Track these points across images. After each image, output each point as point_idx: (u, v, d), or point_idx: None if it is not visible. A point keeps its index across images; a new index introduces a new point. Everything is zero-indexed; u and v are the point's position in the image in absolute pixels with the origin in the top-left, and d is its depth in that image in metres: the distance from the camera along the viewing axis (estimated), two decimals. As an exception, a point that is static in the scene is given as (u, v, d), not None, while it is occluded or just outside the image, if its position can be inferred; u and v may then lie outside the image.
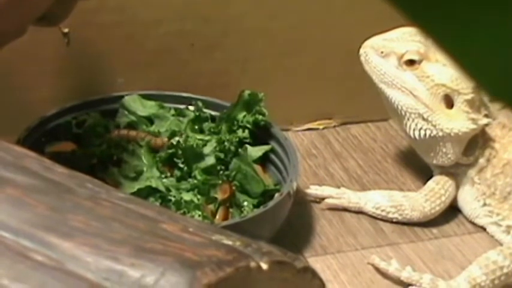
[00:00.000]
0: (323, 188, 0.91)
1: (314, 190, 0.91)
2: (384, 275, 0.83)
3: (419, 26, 0.26)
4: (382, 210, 0.89)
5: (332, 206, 0.90)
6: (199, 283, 0.46)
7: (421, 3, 0.25)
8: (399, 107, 0.87)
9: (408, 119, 0.87)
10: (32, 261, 0.48)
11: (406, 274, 0.81)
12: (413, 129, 0.87)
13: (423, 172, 0.93)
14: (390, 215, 0.89)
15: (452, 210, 0.89)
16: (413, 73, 0.87)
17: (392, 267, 0.82)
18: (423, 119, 0.86)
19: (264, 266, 0.50)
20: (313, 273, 0.55)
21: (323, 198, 0.91)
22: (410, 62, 0.87)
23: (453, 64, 0.26)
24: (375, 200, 0.89)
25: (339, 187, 0.92)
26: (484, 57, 0.27)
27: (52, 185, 0.55)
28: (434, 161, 0.89)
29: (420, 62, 0.87)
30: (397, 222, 0.89)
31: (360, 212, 0.90)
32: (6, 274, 0.48)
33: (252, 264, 0.49)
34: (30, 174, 0.55)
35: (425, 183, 0.90)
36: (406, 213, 0.88)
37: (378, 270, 0.83)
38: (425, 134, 0.87)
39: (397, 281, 0.82)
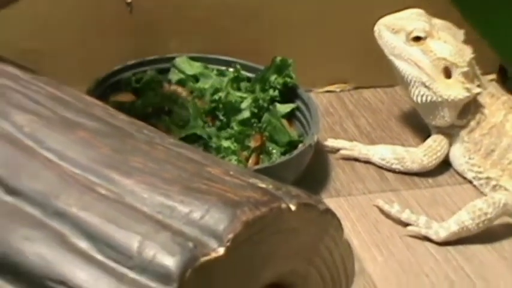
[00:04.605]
0: (338, 141, 0.89)
1: (331, 142, 0.89)
2: (387, 215, 0.80)
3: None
4: (387, 162, 0.86)
5: (345, 156, 0.88)
6: (238, 220, 0.44)
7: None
8: (406, 76, 0.85)
9: (413, 86, 0.85)
10: (97, 194, 0.47)
11: (405, 215, 0.79)
12: (417, 95, 0.85)
13: (422, 131, 0.90)
14: (393, 166, 0.86)
15: (445, 164, 0.87)
16: (419, 48, 0.84)
17: (394, 209, 0.80)
18: (425, 86, 0.84)
19: (293, 207, 0.48)
20: (333, 215, 0.52)
21: (338, 150, 0.88)
22: (417, 38, 0.84)
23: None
24: (381, 152, 0.87)
25: (351, 141, 0.89)
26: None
27: (115, 130, 0.53)
28: (433, 122, 0.86)
29: (425, 38, 0.84)
30: (399, 172, 0.86)
31: (368, 162, 0.88)
32: (75, 203, 0.46)
33: (283, 205, 0.47)
34: (98, 120, 0.53)
35: (423, 140, 0.88)
36: (407, 165, 0.86)
37: (381, 211, 0.81)
38: (426, 100, 0.84)
39: (397, 221, 0.80)
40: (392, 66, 0.86)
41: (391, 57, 0.86)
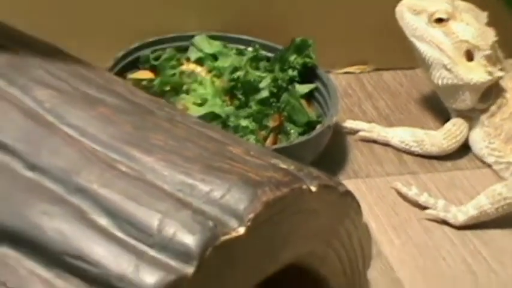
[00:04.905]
0: (357, 122, 0.89)
1: (349, 124, 0.89)
2: (405, 198, 0.80)
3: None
4: (406, 144, 0.86)
5: (364, 138, 0.88)
6: (259, 200, 0.44)
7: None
8: (427, 58, 0.84)
9: (434, 69, 0.84)
10: (117, 171, 0.46)
11: (423, 198, 0.79)
12: (438, 78, 0.84)
13: (441, 114, 0.90)
14: (412, 149, 0.86)
15: (464, 148, 0.86)
16: (441, 30, 0.83)
17: (412, 192, 0.79)
18: (447, 69, 0.83)
19: (314, 189, 0.47)
20: (352, 197, 0.52)
21: (356, 131, 0.88)
22: (439, 20, 0.83)
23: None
24: (400, 135, 0.86)
25: (370, 122, 0.89)
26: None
27: (136, 107, 0.53)
28: (454, 106, 0.86)
29: (447, 20, 0.83)
30: (418, 155, 0.86)
31: (386, 144, 0.87)
32: (96, 180, 0.46)
33: (304, 186, 0.47)
34: (118, 97, 0.53)
35: (443, 123, 0.87)
36: (427, 148, 0.85)
37: (399, 194, 0.80)
38: (447, 83, 0.84)
39: (415, 204, 0.79)
40: (413, 48, 0.85)
41: (412, 39, 0.85)
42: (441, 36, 0.83)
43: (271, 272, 0.47)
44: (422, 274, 0.72)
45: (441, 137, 0.85)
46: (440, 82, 0.84)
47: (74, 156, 0.47)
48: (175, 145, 0.48)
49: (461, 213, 0.77)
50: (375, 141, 0.87)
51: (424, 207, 0.78)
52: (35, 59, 0.54)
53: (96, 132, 0.49)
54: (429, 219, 0.78)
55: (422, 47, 0.84)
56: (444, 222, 0.77)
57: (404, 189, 0.80)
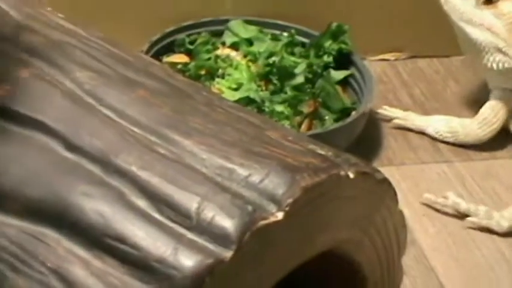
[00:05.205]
0: (392, 109, 0.88)
1: (384, 111, 0.88)
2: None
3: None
4: (440, 135, 0.85)
5: (398, 125, 0.87)
6: (297, 185, 0.44)
7: None
8: (478, 43, 0.81)
9: (487, 53, 0.81)
10: (156, 154, 0.47)
11: (463, 207, 0.75)
12: (492, 62, 0.81)
13: (477, 102, 0.88)
14: (447, 139, 0.85)
15: (501, 136, 0.85)
16: (490, 12, 0.80)
17: (450, 200, 0.76)
18: (502, 52, 0.80)
19: (351, 175, 0.47)
20: (389, 184, 0.52)
21: (391, 119, 0.87)
22: (488, 1, 0.80)
23: None
24: (435, 125, 0.85)
25: (405, 110, 0.88)
26: None
27: (174, 90, 0.53)
28: (505, 85, 0.82)
29: (497, 1, 0.80)
30: (453, 143, 0.85)
31: (421, 132, 0.86)
32: (134, 162, 0.46)
33: (342, 172, 0.47)
34: (157, 80, 0.53)
35: (478, 110, 0.85)
36: (461, 139, 0.84)
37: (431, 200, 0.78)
38: (503, 66, 0.81)
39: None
40: (460, 34, 0.83)
41: (461, 24, 0.82)
42: (492, 18, 0.80)
43: (308, 257, 0.47)
44: (456, 263, 0.72)
45: (476, 126, 0.83)
46: (495, 66, 0.81)
47: (113, 138, 0.48)
48: (214, 129, 0.48)
49: (504, 220, 0.74)
50: (409, 129, 0.87)
51: (464, 215, 0.76)
52: (74, 41, 0.55)
53: (135, 114, 0.49)
54: (471, 228, 0.75)
55: (472, 32, 0.81)
56: (487, 230, 0.75)
57: (440, 201, 0.76)
